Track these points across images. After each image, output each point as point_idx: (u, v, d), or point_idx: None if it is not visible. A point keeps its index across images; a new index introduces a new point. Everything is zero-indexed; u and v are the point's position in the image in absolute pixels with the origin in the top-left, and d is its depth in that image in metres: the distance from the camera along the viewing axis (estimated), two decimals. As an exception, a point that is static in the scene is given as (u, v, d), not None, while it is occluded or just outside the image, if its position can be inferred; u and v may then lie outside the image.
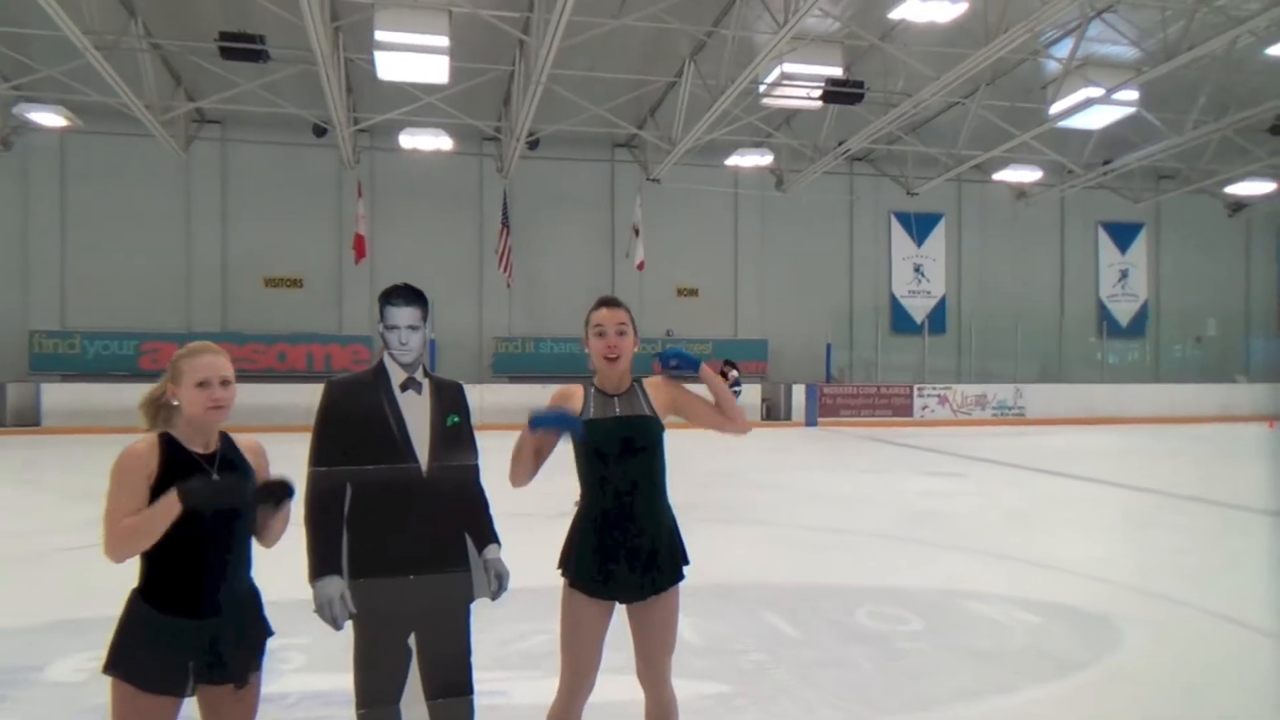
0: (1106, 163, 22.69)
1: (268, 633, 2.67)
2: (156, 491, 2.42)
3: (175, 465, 2.46)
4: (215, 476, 2.50)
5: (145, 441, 2.48)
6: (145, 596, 2.45)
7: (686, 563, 3.08)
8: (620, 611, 3.02)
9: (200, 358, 2.54)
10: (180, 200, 21.88)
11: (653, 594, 2.95)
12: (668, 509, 3.06)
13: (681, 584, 3.05)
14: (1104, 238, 27.28)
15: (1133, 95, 17.22)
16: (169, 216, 21.79)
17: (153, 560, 2.46)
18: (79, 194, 21.32)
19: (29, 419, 19.13)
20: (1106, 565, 7.23)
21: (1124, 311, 27.46)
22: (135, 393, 2.57)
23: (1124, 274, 27.42)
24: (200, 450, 2.54)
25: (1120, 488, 11.99)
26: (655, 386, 3.11)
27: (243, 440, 2.68)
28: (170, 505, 2.35)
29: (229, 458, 2.58)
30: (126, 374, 19.69)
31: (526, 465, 2.95)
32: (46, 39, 14.99)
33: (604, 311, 3.06)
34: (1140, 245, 27.49)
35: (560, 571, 3.03)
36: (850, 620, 5.62)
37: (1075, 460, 15.15)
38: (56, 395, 19.35)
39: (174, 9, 15.93)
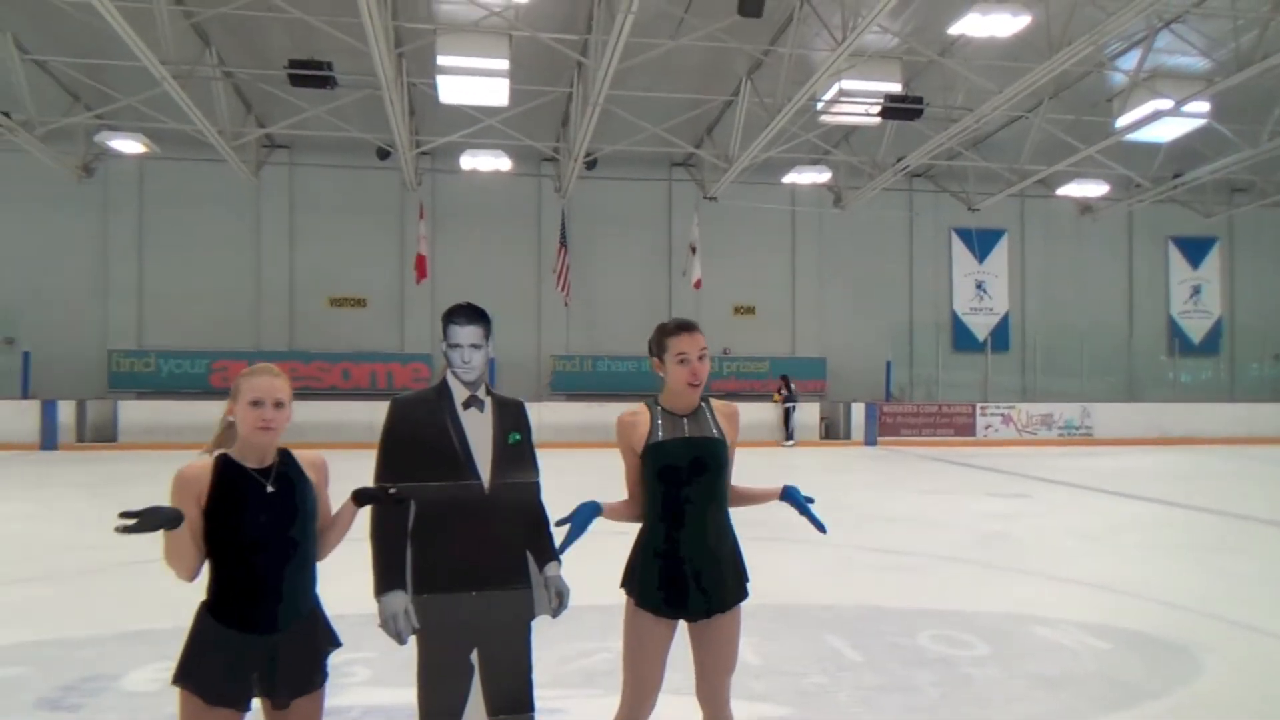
0: (1177, 176, 22.07)
1: (334, 644, 2.71)
2: (212, 510, 2.50)
3: (229, 483, 2.53)
4: (270, 489, 2.56)
5: (199, 465, 2.56)
6: (211, 610, 2.53)
7: (748, 582, 3.09)
8: (681, 630, 3.02)
9: (257, 378, 2.60)
10: (250, 223, 22.56)
11: (716, 612, 2.95)
12: (730, 528, 3.06)
13: (744, 603, 3.05)
14: (1174, 253, 26.51)
15: (1203, 107, 16.73)
16: (239, 239, 22.49)
17: (218, 574, 2.54)
18: (155, 218, 22.14)
19: (106, 435, 19.82)
20: (1180, 591, 6.98)
21: (1197, 328, 26.60)
22: (207, 409, 2.68)
23: (1196, 290, 26.59)
24: (255, 465, 2.60)
25: (1194, 510, 11.58)
26: (728, 413, 3.11)
27: (304, 455, 2.73)
28: (168, 536, 2.41)
29: (285, 472, 2.63)
30: (198, 391, 20.30)
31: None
32: (126, 69, 15.63)
33: (685, 338, 3.03)
34: (1213, 260, 26.63)
35: (624, 589, 3.03)
36: (913, 644, 5.52)
37: (1146, 482, 14.69)
38: (132, 412, 20.03)
39: (246, 39, 16.50)
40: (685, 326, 3.07)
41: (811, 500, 3.19)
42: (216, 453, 2.60)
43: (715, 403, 3.12)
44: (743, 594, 3.04)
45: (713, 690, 2.99)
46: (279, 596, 2.54)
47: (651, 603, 2.95)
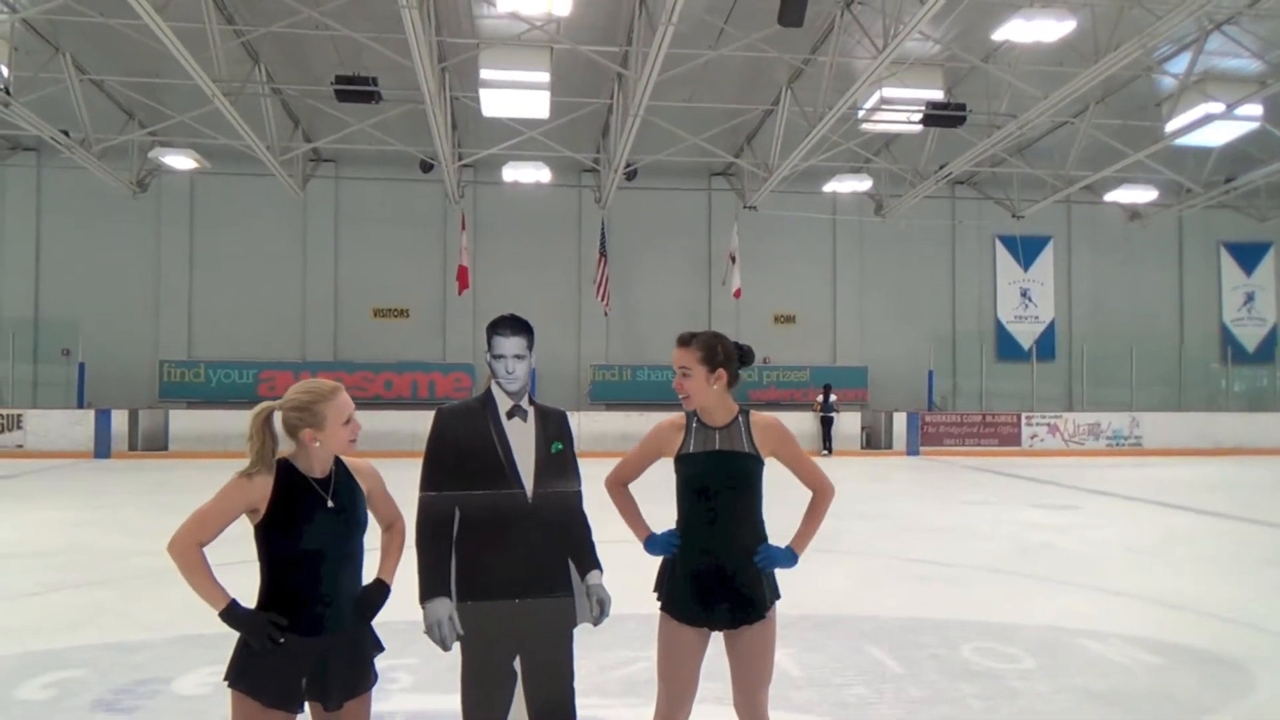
0: (1228, 180, 21.58)
1: (379, 648, 2.77)
2: (275, 511, 2.56)
3: (292, 493, 2.60)
4: (330, 504, 2.62)
5: (263, 475, 2.61)
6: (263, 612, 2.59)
7: (778, 596, 3.09)
8: (719, 641, 3.03)
9: (340, 396, 2.67)
10: (296, 236, 22.99)
11: (745, 623, 2.97)
12: (762, 539, 3.06)
13: (777, 614, 3.05)
14: (1227, 259, 25.89)
15: (1256, 110, 16.37)
16: (286, 252, 22.92)
17: (270, 579, 2.60)
18: (205, 232, 22.67)
19: (158, 443, 20.28)
20: (1233, 605, 6.80)
21: (1250, 336, 25.94)
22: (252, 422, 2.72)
23: (1249, 296, 25.94)
24: (317, 476, 2.66)
25: (1247, 523, 11.29)
26: (764, 426, 3.08)
27: (355, 464, 2.80)
28: (214, 600, 2.52)
29: (342, 483, 2.70)
30: (246, 400, 20.66)
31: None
32: (179, 87, 16.04)
33: (675, 351, 3.06)
34: (1268, 266, 25.97)
35: (655, 595, 3.08)
36: (956, 656, 5.45)
37: (1198, 493, 14.34)
38: (183, 421, 20.48)
39: (294, 56, 16.85)
40: (679, 340, 3.09)
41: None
42: (279, 458, 2.66)
43: (755, 416, 3.11)
44: (771, 602, 3.03)
45: (748, 702, 3.00)
46: (330, 602, 2.60)
47: (679, 609, 2.99)
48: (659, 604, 3.05)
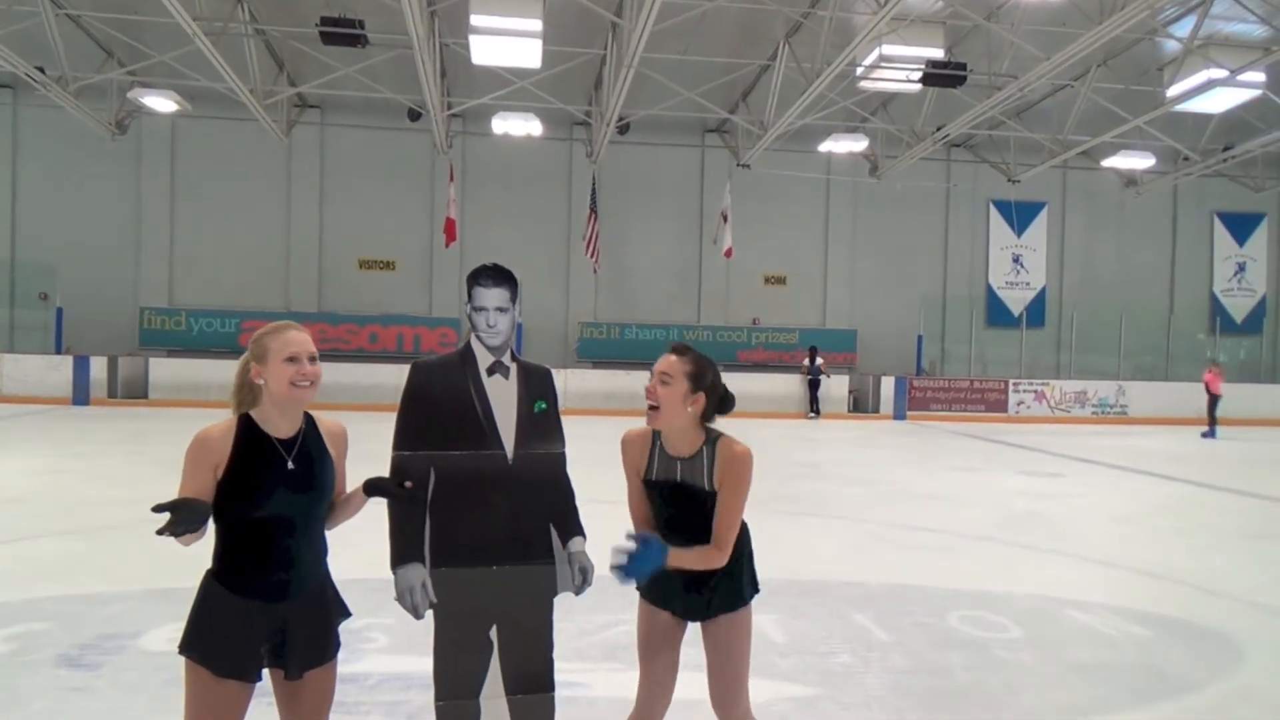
0: (1227, 149, 21.38)
1: (344, 614, 2.62)
2: (233, 475, 2.38)
3: (251, 453, 2.41)
4: (291, 465, 2.45)
5: (220, 426, 2.44)
6: (218, 578, 2.43)
7: (756, 590, 2.95)
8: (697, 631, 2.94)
9: (287, 333, 2.48)
10: (281, 183, 22.55)
11: (719, 613, 2.85)
12: (743, 542, 2.89)
13: (754, 604, 2.92)
14: (1220, 228, 25.78)
15: (1259, 77, 16.10)
16: (270, 199, 22.49)
17: (226, 542, 2.43)
18: (187, 177, 22.19)
19: (137, 391, 20.04)
20: (1221, 577, 6.77)
21: (1239, 307, 25.93)
22: (236, 368, 2.54)
23: (1241, 267, 25.89)
24: (282, 436, 2.48)
25: (1234, 494, 11.30)
26: (727, 459, 2.76)
27: (327, 425, 2.62)
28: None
29: (308, 446, 2.51)
30: (228, 350, 20.41)
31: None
32: (159, 26, 15.55)
33: (664, 358, 2.80)
34: (1260, 237, 25.87)
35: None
36: (943, 625, 5.38)
37: (1184, 463, 14.37)
38: (163, 369, 20.22)
39: (278, -5, 16.35)
40: (672, 348, 2.83)
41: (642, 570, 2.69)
42: (239, 413, 2.49)
43: (723, 445, 2.78)
44: (742, 600, 2.88)
45: (720, 694, 2.87)
46: (289, 566, 2.44)
47: (651, 592, 2.90)
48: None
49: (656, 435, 2.85)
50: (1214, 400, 19.42)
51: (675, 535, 2.80)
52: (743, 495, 2.76)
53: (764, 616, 3.04)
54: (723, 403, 2.85)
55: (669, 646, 2.91)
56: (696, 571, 2.79)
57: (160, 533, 2.17)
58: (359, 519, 2.73)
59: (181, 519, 2.18)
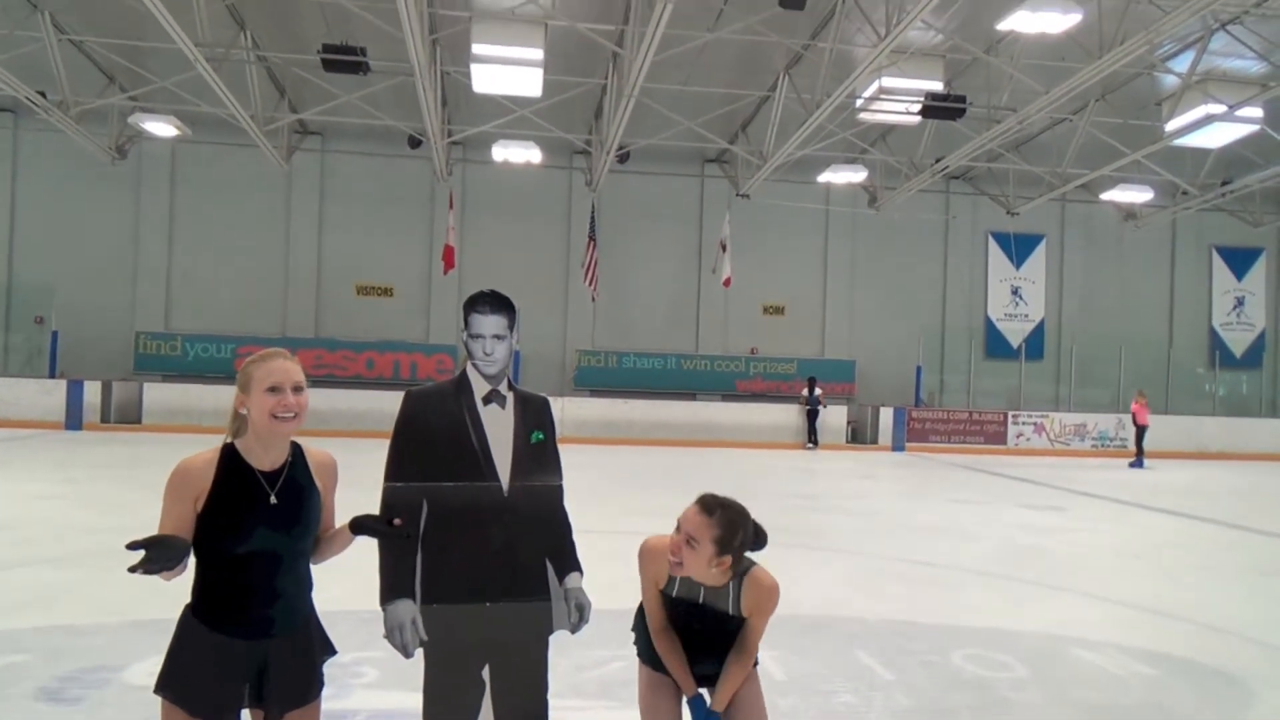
0: (1225, 183, 21.46)
1: (329, 651, 2.51)
2: (213, 508, 2.29)
3: (232, 487, 2.31)
4: (274, 500, 2.35)
5: (203, 456, 2.34)
6: (197, 613, 2.32)
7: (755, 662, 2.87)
8: None
9: (272, 361, 2.39)
10: (280, 209, 22.56)
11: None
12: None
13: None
14: (1218, 262, 25.85)
15: (1257, 112, 16.20)
16: (269, 225, 22.49)
17: (205, 576, 2.33)
18: (186, 202, 22.20)
19: (131, 416, 19.90)
20: (1228, 615, 6.65)
21: (1239, 341, 25.93)
22: (231, 394, 2.45)
23: (1239, 301, 25.92)
24: (265, 468, 2.38)
25: (1238, 529, 11.17)
26: (756, 590, 2.68)
27: (315, 456, 2.51)
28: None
29: (294, 479, 2.41)
30: (223, 375, 20.30)
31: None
32: (161, 51, 15.59)
33: (691, 511, 2.66)
34: (1258, 271, 25.94)
35: (633, 641, 2.91)
36: (947, 663, 5.25)
37: (1186, 497, 14.25)
38: (157, 394, 20.09)
39: (280, 22, 16.42)
40: (701, 504, 2.66)
41: None
42: (224, 442, 2.39)
43: (752, 579, 2.69)
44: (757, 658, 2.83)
45: None
46: (271, 602, 2.34)
47: (653, 660, 2.81)
48: (635, 651, 2.88)
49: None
50: (1141, 430, 19.79)
51: (688, 643, 2.75)
52: (766, 618, 2.74)
53: (764, 653, 2.93)
54: (755, 543, 2.72)
55: (665, 711, 2.81)
56: (710, 647, 2.74)
57: (133, 570, 2.07)
58: (347, 553, 2.63)
59: (156, 557, 2.08)
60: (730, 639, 2.73)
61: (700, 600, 2.72)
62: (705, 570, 2.62)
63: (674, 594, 2.74)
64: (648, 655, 2.82)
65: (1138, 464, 19.39)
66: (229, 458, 2.35)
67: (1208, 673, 5.29)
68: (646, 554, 2.79)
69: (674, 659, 2.75)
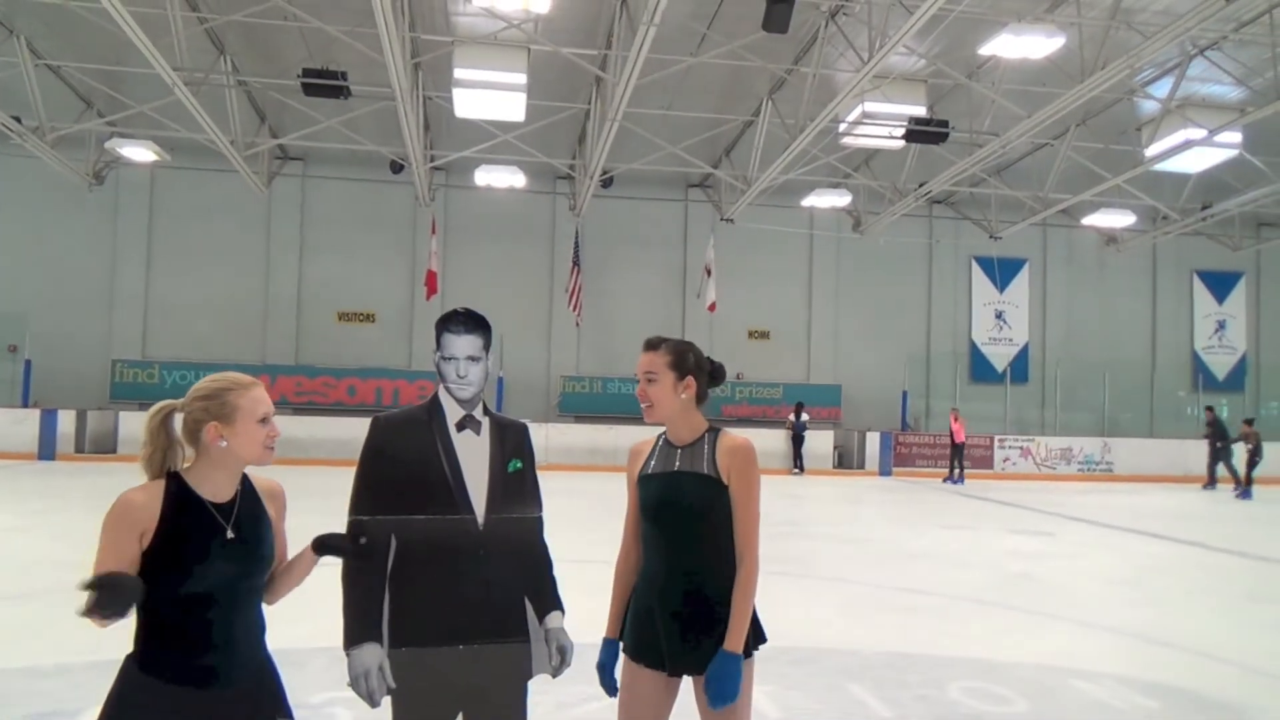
0: (1205, 208, 21.60)
1: (285, 715, 2.28)
2: (163, 544, 2.09)
3: (183, 521, 2.12)
4: (230, 535, 2.16)
5: (147, 488, 2.15)
6: (140, 664, 2.12)
7: (762, 639, 2.66)
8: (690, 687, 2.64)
9: (255, 390, 2.24)
10: (260, 235, 22.35)
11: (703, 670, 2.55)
12: (730, 575, 2.59)
13: (755, 658, 2.63)
14: (1200, 287, 26.01)
15: (1235, 137, 16.34)
16: (249, 251, 22.26)
17: (149, 623, 2.12)
18: (164, 228, 21.97)
19: (106, 445, 19.52)
20: (1224, 644, 6.50)
21: (1221, 364, 26.04)
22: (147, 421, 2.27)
23: (1221, 325, 26.06)
24: (219, 500, 2.20)
25: (1227, 554, 11.07)
26: (730, 448, 2.63)
27: (263, 484, 2.34)
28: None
29: (249, 508, 2.24)
30: (202, 404, 19.95)
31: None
32: (139, 76, 15.45)
33: (642, 356, 2.74)
34: (1239, 295, 26.12)
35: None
36: (944, 697, 5.07)
37: (1175, 522, 14.16)
38: (134, 423, 19.65)
39: (260, 46, 16.32)
40: (646, 344, 2.77)
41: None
42: (168, 471, 2.20)
43: (725, 435, 2.69)
44: (753, 647, 2.63)
45: None
46: (222, 649, 2.14)
47: (634, 649, 2.64)
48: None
49: (660, 436, 2.78)
50: (957, 448, 20.26)
51: (656, 557, 2.62)
52: (755, 490, 2.64)
53: (755, 690, 2.73)
54: (713, 377, 2.81)
55: (644, 705, 2.61)
56: (696, 616, 2.55)
57: (83, 614, 1.89)
58: (319, 584, 2.44)
59: (109, 599, 1.90)
60: (711, 510, 2.58)
61: (677, 467, 2.65)
62: (674, 399, 2.68)
63: (651, 471, 2.69)
64: (630, 643, 2.66)
65: (957, 481, 20.17)
66: (177, 490, 2.16)
67: (1208, 704, 5.15)
68: (633, 453, 2.83)
69: (620, 585, 2.77)
